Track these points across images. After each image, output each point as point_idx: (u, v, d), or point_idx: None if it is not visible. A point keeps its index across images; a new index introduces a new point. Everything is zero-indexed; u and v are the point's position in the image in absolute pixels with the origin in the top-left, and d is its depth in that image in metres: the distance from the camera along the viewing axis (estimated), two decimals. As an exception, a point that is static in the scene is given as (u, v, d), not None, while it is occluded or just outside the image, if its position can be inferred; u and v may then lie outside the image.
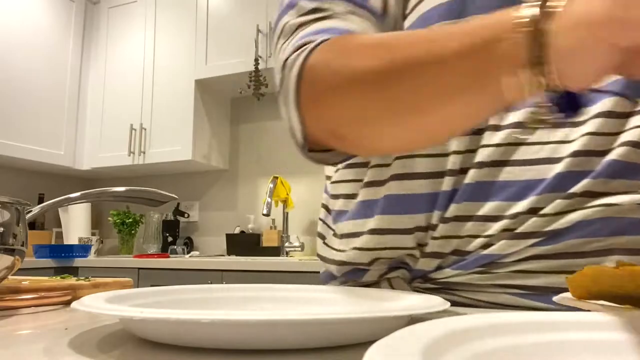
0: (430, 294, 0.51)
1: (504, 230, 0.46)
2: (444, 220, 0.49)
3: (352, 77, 0.40)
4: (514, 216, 0.46)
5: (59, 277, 0.61)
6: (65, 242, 2.61)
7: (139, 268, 2.17)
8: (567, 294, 0.37)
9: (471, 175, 0.48)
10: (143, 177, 3.06)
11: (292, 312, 0.25)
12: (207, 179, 2.87)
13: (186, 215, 2.79)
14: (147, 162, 2.65)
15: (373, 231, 0.53)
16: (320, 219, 0.66)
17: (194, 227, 2.86)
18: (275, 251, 2.45)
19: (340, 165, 0.59)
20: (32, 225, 2.63)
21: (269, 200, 2.29)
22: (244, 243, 2.51)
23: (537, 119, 0.33)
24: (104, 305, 0.29)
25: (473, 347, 0.17)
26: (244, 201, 2.76)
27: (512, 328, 0.18)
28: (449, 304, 0.32)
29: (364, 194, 0.56)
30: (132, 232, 2.80)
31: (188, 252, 2.62)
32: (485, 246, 0.47)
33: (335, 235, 0.62)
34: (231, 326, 0.26)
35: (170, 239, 2.72)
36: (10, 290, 0.46)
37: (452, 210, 0.49)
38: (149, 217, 2.69)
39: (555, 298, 0.36)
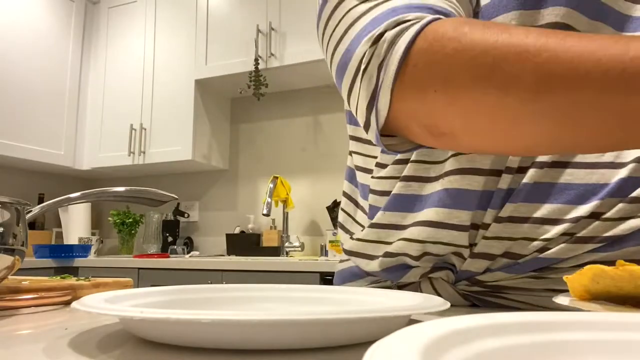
0: (478, 297, 0.50)
1: (564, 234, 0.45)
2: (497, 219, 0.47)
3: (499, 70, 0.33)
4: (576, 220, 0.44)
5: (59, 277, 0.61)
6: (65, 242, 2.62)
7: (139, 268, 2.17)
8: (567, 294, 0.37)
9: (530, 175, 0.46)
10: (143, 177, 3.06)
11: (292, 312, 0.25)
12: (207, 179, 2.87)
13: (186, 215, 2.79)
14: (147, 162, 2.65)
15: (424, 223, 0.50)
16: (345, 212, 0.63)
17: (194, 227, 2.86)
18: (275, 251, 2.45)
19: (390, 161, 0.56)
20: (32, 225, 2.63)
21: (269, 200, 2.29)
22: (244, 243, 2.51)
23: None
24: (104, 305, 0.29)
25: (473, 347, 0.17)
26: (244, 201, 2.76)
27: (512, 328, 0.18)
28: (449, 304, 0.32)
29: (401, 188, 0.53)
30: (132, 232, 2.80)
31: (188, 252, 2.62)
32: (542, 250, 0.45)
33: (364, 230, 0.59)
34: (231, 326, 0.26)
35: (170, 239, 2.72)
36: (10, 290, 0.46)
37: (508, 209, 0.46)
38: (149, 217, 2.69)
39: (555, 298, 0.36)
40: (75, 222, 2.63)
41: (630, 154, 0.46)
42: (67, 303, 0.50)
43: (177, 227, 2.77)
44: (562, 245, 0.44)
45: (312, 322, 0.25)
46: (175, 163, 2.64)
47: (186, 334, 0.27)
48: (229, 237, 2.54)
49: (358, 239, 0.57)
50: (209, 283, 1.92)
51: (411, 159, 0.53)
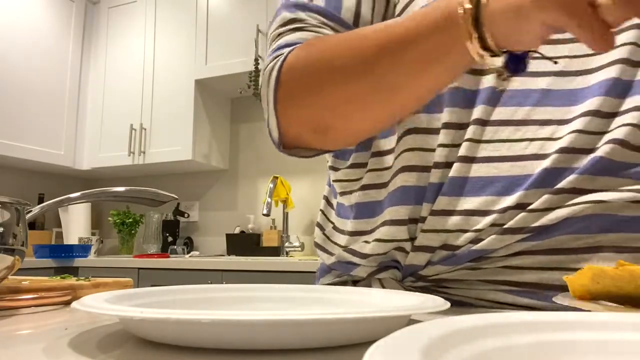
0: (422, 292, 0.52)
1: (493, 224, 0.47)
2: (432, 212, 0.50)
3: (335, 68, 0.46)
4: (503, 211, 0.47)
5: (59, 277, 0.61)
6: (65, 242, 2.61)
7: (139, 268, 2.17)
8: (567, 294, 0.37)
9: (456, 169, 0.49)
10: (143, 177, 3.06)
11: (292, 312, 0.25)
12: (207, 179, 2.87)
13: (186, 215, 2.79)
14: (147, 162, 2.65)
15: (382, 224, 0.54)
16: (321, 210, 0.68)
17: (194, 227, 2.86)
18: (275, 251, 2.45)
19: (341, 166, 0.62)
20: (32, 225, 2.63)
21: (269, 200, 2.29)
22: (244, 243, 2.51)
23: (496, 72, 0.39)
24: (104, 305, 0.29)
25: (473, 347, 0.17)
26: (244, 201, 2.76)
27: (512, 328, 0.18)
28: (449, 304, 0.32)
29: (361, 197, 0.57)
30: (132, 232, 2.80)
31: (188, 252, 2.62)
32: (475, 241, 0.48)
33: (335, 228, 0.63)
34: (231, 326, 0.26)
35: (170, 239, 2.72)
36: (10, 290, 0.46)
37: (441, 203, 0.49)
38: (149, 217, 2.69)
39: (555, 298, 0.36)
40: (75, 222, 2.63)
41: (553, 146, 0.47)
42: (67, 303, 0.50)
43: (177, 227, 2.77)
44: (493, 236, 0.47)
45: (312, 322, 0.25)
46: (175, 163, 2.64)
47: (186, 334, 0.27)
48: (229, 237, 2.54)
49: (325, 235, 0.63)
50: (209, 283, 1.92)
51: (367, 169, 0.58)
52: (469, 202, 0.48)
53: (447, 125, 0.51)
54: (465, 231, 0.48)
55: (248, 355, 0.27)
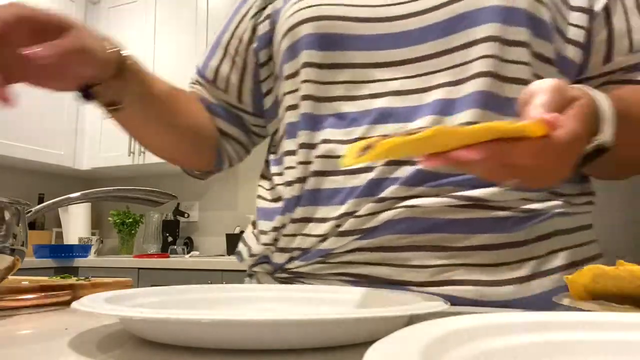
0: (286, 283, 0.61)
1: (334, 228, 0.55)
2: (292, 220, 0.58)
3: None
4: (339, 217, 0.54)
5: (59, 277, 0.61)
6: (65, 242, 2.61)
7: (139, 268, 2.17)
8: (567, 294, 0.37)
9: (309, 183, 0.57)
10: (143, 177, 3.06)
11: (292, 312, 0.25)
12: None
13: (186, 215, 2.79)
14: (147, 162, 2.65)
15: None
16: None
17: (194, 227, 2.85)
18: (275, 251, 2.44)
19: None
20: (32, 225, 2.63)
21: (269, 200, 2.29)
22: (244, 243, 2.51)
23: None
24: (104, 305, 0.29)
25: (473, 347, 0.17)
26: (244, 201, 2.76)
27: (512, 328, 0.19)
28: (449, 304, 0.32)
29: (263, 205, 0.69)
30: (132, 232, 2.80)
31: (188, 252, 2.62)
32: (322, 241, 0.56)
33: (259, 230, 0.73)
34: (232, 326, 0.26)
35: (170, 239, 2.72)
36: (10, 290, 0.46)
37: (298, 212, 0.58)
38: (149, 217, 2.69)
39: (555, 298, 0.36)
40: (75, 222, 2.63)
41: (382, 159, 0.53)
42: (67, 303, 0.50)
43: (177, 227, 2.77)
44: (333, 237, 0.55)
45: (312, 322, 0.25)
46: (175, 163, 2.64)
47: (186, 334, 0.27)
48: (229, 237, 2.54)
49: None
50: (209, 283, 1.91)
51: (268, 187, 0.68)
52: (318, 211, 0.57)
53: (301, 146, 0.59)
54: (315, 235, 0.56)
55: (248, 355, 0.27)
